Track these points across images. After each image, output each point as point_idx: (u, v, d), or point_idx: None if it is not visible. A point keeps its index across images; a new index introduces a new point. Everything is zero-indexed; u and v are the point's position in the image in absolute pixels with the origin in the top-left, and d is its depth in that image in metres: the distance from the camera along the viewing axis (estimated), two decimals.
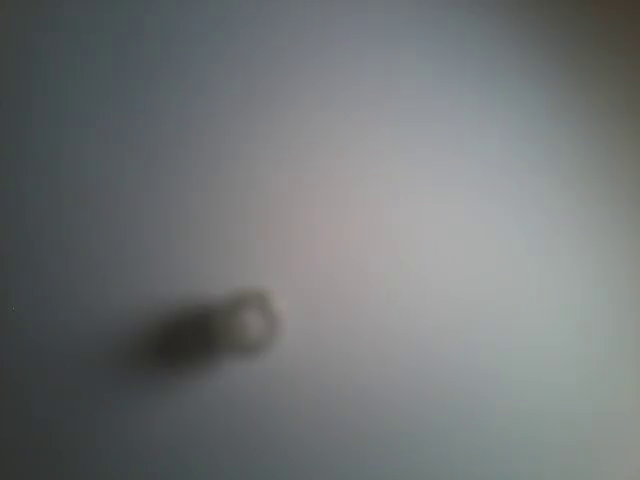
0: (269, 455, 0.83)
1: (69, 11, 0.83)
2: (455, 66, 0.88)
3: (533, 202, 0.89)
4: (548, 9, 0.90)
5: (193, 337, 0.82)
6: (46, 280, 0.81)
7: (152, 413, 0.82)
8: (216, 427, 0.82)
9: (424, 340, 0.86)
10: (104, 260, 0.82)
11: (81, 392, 0.81)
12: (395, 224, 0.86)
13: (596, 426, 0.89)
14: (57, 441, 0.81)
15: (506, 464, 0.87)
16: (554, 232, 0.89)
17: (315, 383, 0.84)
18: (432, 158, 0.87)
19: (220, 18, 0.85)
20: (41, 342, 0.81)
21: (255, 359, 0.82)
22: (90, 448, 0.81)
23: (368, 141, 0.87)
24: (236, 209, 0.84)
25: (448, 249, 0.87)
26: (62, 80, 0.83)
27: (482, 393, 0.87)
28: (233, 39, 0.85)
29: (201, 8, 0.85)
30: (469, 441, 0.86)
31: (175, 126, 0.84)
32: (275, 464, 0.83)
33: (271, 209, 0.85)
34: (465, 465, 0.86)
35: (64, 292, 0.81)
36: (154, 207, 0.83)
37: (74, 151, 0.83)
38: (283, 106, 0.85)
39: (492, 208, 0.88)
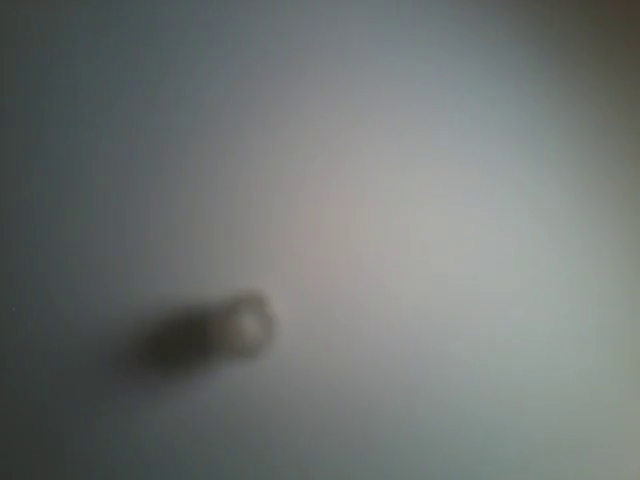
0: (269, 456, 0.84)
1: (79, 11, 0.83)
2: (457, 71, 0.88)
3: (532, 203, 0.89)
4: (547, 10, 0.89)
5: (191, 339, 0.83)
6: (46, 280, 0.82)
7: (150, 414, 0.82)
8: (215, 428, 0.83)
9: (425, 339, 0.86)
10: (104, 261, 0.82)
11: (80, 393, 0.82)
12: (396, 225, 0.86)
13: (594, 421, 0.89)
14: (57, 441, 0.81)
15: (504, 459, 0.88)
16: (551, 230, 0.89)
17: (315, 384, 0.84)
18: (432, 160, 0.87)
19: (226, 22, 0.85)
20: (41, 342, 0.81)
21: (251, 362, 0.83)
22: (89, 449, 0.82)
23: (369, 144, 0.87)
24: (237, 211, 0.84)
25: (448, 249, 0.87)
26: (69, 80, 0.83)
27: (482, 390, 0.87)
28: (240, 42, 0.85)
29: (208, 11, 0.84)
30: (469, 436, 0.87)
31: (179, 129, 0.84)
32: (274, 464, 0.84)
33: (271, 211, 0.85)
34: (464, 460, 0.87)
35: (64, 292, 0.82)
36: (154, 209, 0.83)
37: (77, 151, 0.83)
38: (286, 109, 0.85)
39: (491, 209, 0.88)
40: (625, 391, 0.89)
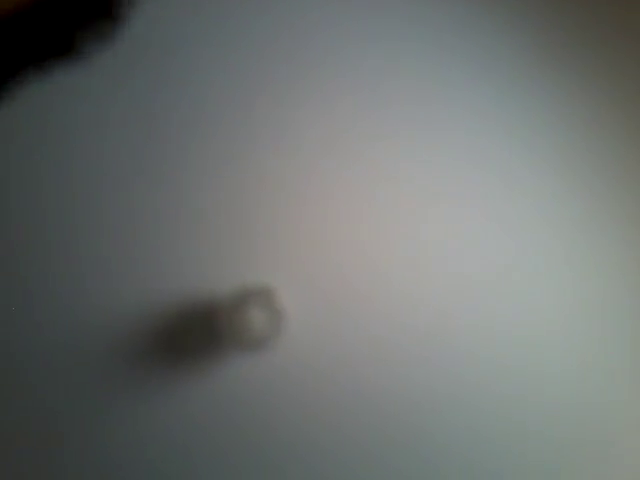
0: (275, 450, 0.84)
1: None
2: (459, 69, 0.89)
3: (536, 200, 0.89)
4: (546, 7, 0.90)
5: (198, 333, 0.83)
6: (52, 277, 0.82)
7: (158, 408, 0.82)
8: (222, 421, 0.83)
9: (432, 334, 0.86)
10: (110, 257, 0.82)
11: (87, 388, 0.82)
12: (404, 220, 0.87)
13: (596, 420, 0.89)
14: (63, 437, 0.81)
15: (509, 456, 0.88)
16: (555, 226, 0.89)
17: (323, 378, 0.84)
18: (437, 159, 0.88)
19: (224, 21, 0.85)
20: (47, 339, 0.81)
21: (258, 355, 0.83)
22: (96, 443, 0.82)
23: (376, 141, 0.87)
24: (244, 206, 0.85)
25: (454, 245, 0.87)
26: (70, 82, 0.83)
27: (492, 386, 0.87)
28: (238, 42, 0.85)
29: (205, 10, 0.85)
30: (478, 431, 0.87)
31: (182, 125, 0.84)
32: (281, 458, 0.84)
33: (278, 206, 0.85)
34: (469, 457, 0.87)
35: (70, 289, 0.82)
36: (160, 203, 0.83)
37: (81, 151, 0.83)
38: (293, 105, 0.86)
39: (494, 206, 0.89)
40: (626, 388, 0.90)
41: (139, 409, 0.82)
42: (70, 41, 0.70)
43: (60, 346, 0.81)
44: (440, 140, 0.88)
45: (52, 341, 0.81)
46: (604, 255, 0.90)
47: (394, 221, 0.87)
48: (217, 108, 0.85)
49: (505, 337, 0.88)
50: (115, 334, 0.82)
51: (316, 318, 0.84)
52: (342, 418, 0.85)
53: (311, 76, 0.86)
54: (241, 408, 0.83)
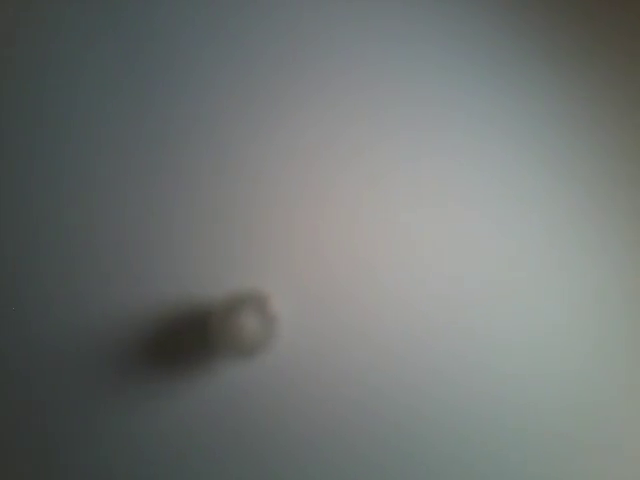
0: (269, 455, 0.84)
1: (78, 12, 0.84)
2: (458, 70, 0.88)
3: (532, 203, 0.89)
4: (546, 9, 0.90)
5: (192, 338, 0.83)
6: (47, 280, 0.82)
7: (152, 413, 0.82)
8: (215, 427, 0.83)
9: (427, 338, 0.86)
10: (104, 261, 0.83)
11: (81, 393, 0.82)
12: (397, 224, 0.87)
13: (594, 419, 0.89)
14: (58, 442, 0.81)
15: (504, 456, 0.88)
16: (550, 229, 0.89)
17: (316, 382, 0.84)
18: (434, 163, 0.88)
19: (225, 21, 0.85)
20: (42, 343, 0.82)
21: (252, 360, 0.83)
22: (90, 448, 0.82)
23: (372, 146, 0.87)
24: (238, 210, 0.85)
25: (449, 250, 0.87)
26: (69, 81, 0.83)
27: (484, 389, 0.87)
28: (238, 42, 0.85)
29: (207, 11, 0.85)
30: (471, 435, 0.87)
31: (179, 129, 0.84)
32: (274, 463, 0.84)
33: (273, 211, 0.85)
34: (464, 457, 0.87)
35: (64, 293, 0.82)
36: (154, 208, 0.84)
37: (77, 151, 0.83)
38: (289, 109, 0.86)
39: (491, 208, 0.88)
40: (623, 389, 0.89)
41: (133, 412, 0.82)
42: None
43: (54, 349, 0.82)
44: (436, 143, 0.88)
45: (45, 346, 0.82)
46: (602, 256, 0.90)
47: (389, 225, 0.86)
48: (214, 111, 0.85)
49: (503, 339, 0.88)
50: (107, 339, 0.82)
51: (310, 323, 0.84)
52: (336, 421, 0.84)
53: (309, 78, 0.86)
54: (235, 412, 0.83)
